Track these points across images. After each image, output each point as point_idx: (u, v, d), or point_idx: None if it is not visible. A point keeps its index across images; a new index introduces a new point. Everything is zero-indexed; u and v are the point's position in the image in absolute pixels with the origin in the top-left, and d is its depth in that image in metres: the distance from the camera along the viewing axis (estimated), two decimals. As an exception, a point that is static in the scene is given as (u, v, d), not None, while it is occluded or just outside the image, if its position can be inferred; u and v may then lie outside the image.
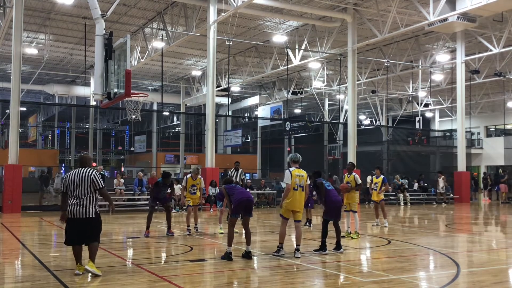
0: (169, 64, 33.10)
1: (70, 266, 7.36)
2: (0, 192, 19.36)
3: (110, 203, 8.03)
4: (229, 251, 8.78)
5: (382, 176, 14.71)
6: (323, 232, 9.65)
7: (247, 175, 26.61)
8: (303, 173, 9.30)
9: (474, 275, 8.11)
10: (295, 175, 9.13)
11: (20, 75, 18.99)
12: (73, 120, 46.30)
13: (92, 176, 7.48)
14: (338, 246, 9.71)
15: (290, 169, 9.26)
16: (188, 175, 12.77)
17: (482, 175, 34.12)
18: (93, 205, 7.47)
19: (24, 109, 48.82)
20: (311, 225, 14.25)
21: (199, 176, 12.85)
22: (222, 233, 12.26)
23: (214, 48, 21.91)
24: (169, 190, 12.78)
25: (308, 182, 9.52)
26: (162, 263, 9.22)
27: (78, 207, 7.38)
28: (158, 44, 24.63)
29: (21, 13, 19.08)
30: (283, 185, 9.68)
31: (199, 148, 50.28)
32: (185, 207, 13.14)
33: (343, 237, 11.29)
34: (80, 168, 7.60)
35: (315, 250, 9.64)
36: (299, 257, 8.98)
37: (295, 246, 9.19)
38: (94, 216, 7.44)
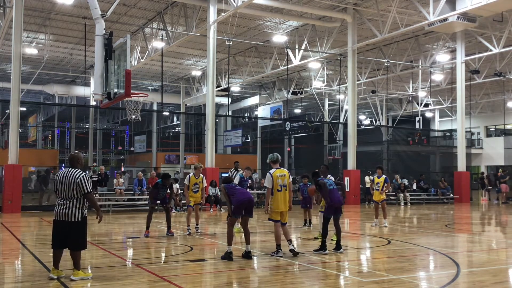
0: (169, 64, 33.09)
1: (70, 266, 7.34)
2: (0, 192, 19.36)
3: (97, 210, 7.24)
4: (229, 251, 8.78)
5: (384, 176, 14.62)
6: (323, 232, 9.66)
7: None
8: (285, 172, 9.30)
9: (474, 275, 8.11)
10: (277, 176, 9.13)
11: (20, 75, 19.00)
12: (73, 120, 46.28)
13: (79, 180, 6.96)
14: (338, 246, 9.69)
15: (270, 171, 9.22)
16: (191, 174, 12.71)
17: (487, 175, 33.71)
18: (80, 207, 7.01)
19: (24, 109, 48.82)
20: (311, 225, 14.24)
21: (201, 175, 12.79)
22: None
23: (214, 48, 21.92)
24: (168, 191, 12.77)
25: (291, 180, 9.46)
26: (162, 263, 9.21)
27: (63, 209, 6.99)
28: (158, 44, 24.62)
29: (21, 13, 19.10)
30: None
31: (199, 148, 50.27)
32: (185, 207, 13.11)
33: (316, 238, 11.22)
34: (70, 169, 7.12)
35: (315, 250, 9.64)
36: (294, 249, 9.00)
37: (287, 242, 9.16)
38: (80, 219, 7.01)
